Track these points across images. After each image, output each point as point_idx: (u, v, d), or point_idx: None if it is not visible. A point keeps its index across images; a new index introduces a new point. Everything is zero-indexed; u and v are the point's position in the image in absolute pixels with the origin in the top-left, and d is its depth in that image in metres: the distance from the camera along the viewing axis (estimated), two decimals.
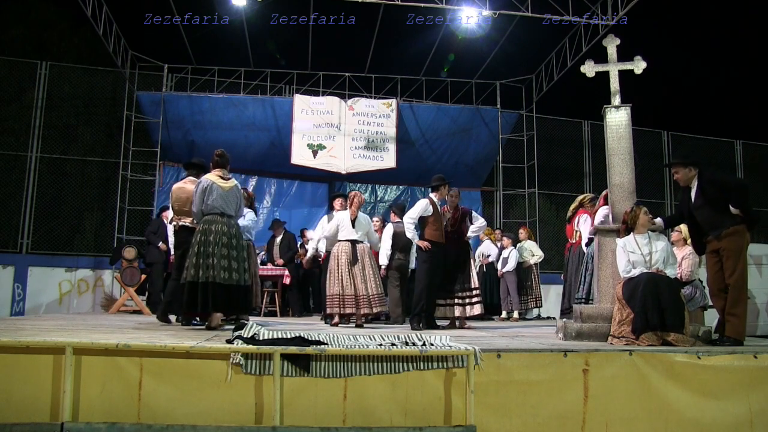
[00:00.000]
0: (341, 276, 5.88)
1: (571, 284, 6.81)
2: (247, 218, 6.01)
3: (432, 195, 6.09)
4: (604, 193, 5.94)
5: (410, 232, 5.97)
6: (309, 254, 7.65)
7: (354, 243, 6.01)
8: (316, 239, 7.37)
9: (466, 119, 11.86)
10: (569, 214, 7.07)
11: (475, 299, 6.02)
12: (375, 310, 5.93)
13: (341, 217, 6.18)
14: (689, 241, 6.31)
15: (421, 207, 5.90)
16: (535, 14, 9.11)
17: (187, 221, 5.54)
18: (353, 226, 6.06)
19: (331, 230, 6.34)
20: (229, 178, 5.17)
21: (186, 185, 5.65)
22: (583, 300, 6.11)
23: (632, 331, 4.02)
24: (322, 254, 7.17)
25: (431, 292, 5.86)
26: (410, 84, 11.97)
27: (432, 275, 5.83)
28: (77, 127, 11.13)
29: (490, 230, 9.79)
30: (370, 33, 10.38)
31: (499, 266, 8.89)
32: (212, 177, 5.09)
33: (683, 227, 6.32)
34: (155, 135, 10.88)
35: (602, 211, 6.14)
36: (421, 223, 5.96)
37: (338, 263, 5.93)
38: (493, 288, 8.94)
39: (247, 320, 5.30)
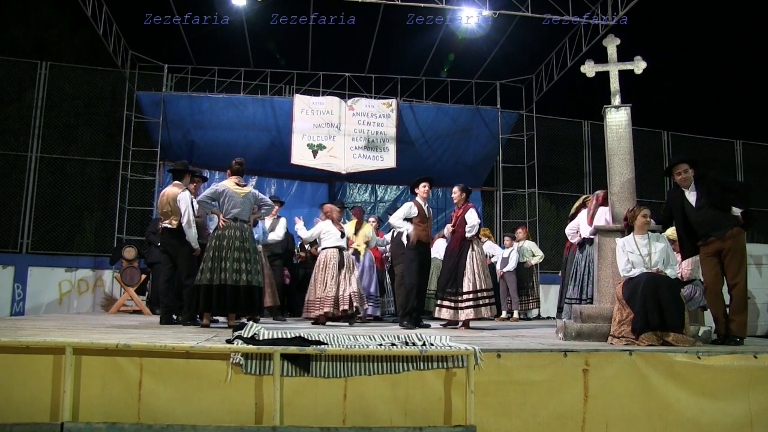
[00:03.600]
0: (327, 281, 6.22)
1: (566, 284, 6.85)
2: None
3: (417, 198, 6.19)
4: (600, 193, 5.97)
5: (399, 228, 6.36)
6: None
7: (341, 250, 6.45)
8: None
9: (466, 119, 11.85)
10: (572, 213, 7.07)
11: (463, 304, 5.83)
12: (350, 306, 6.19)
13: (325, 227, 6.57)
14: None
15: (405, 210, 6.13)
16: (535, 14, 9.10)
17: (167, 223, 5.76)
18: (341, 236, 6.53)
19: (310, 236, 6.77)
20: (245, 185, 5.51)
21: (168, 189, 5.89)
22: (575, 300, 6.11)
23: (632, 331, 4.02)
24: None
25: (420, 291, 6.01)
26: (410, 84, 11.96)
27: (420, 274, 5.98)
28: (77, 127, 11.12)
29: (488, 230, 9.79)
30: (370, 33, 10.37)
31: (498, 266, 8.89)
32: (228, 184, 5.43)
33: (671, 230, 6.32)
34: (155, 135, 10.88)
35: (581, 216, 6.21)
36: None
37: (326, 268, 6.28)
38: (493, 288, 8.93)
39: (257, 320, 5.49)
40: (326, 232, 6.51)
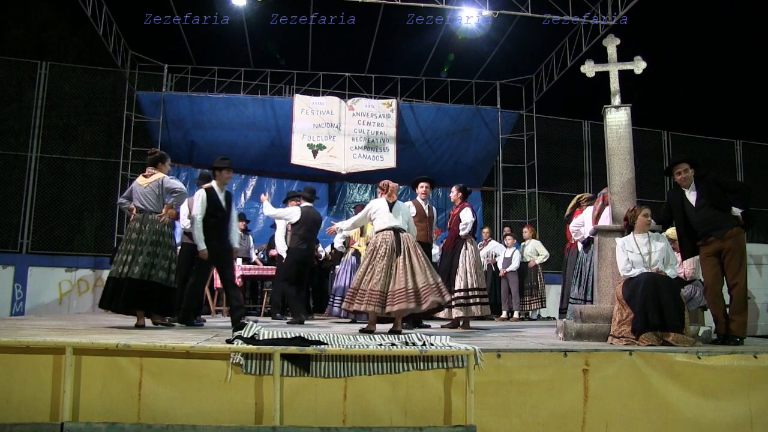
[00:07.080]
0: (378, 269, 4.91)
1: (568, 284, 6.82)
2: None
3: (417, 198, 6.13)
4: (605, 192, 5.94)
5: None
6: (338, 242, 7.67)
7: (397, 231, 5.11)
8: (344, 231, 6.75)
9: (466, 119, 11.86)
10: (567, 213, 7.07)
11: (454, 302, 5.71)
12: (425, 306, 4.85)
13: (376, 204, 5.33)
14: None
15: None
16: (535, 14, 9.11)
17: None
18: (390, 210, 5.24)
19: (356, 221, 5.70)
20: (153, 173, 5.25)
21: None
22: (580, 300, 6.10)
23: (632, 331, 4.02)
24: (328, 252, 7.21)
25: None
26: (410, 84, 11.98)
27: None
28: (77, 127, 11.12)
29: (490, 230, 9.79)
30: (370, 33, 10.39)
31: (500, 266, 8.88)
32: (138, 178, 5.31)
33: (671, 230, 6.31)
34: (155, 135, 10.89)
35: (586, 213, 6.19)
36: None
37: (376, 255, 5.01)
38: (494, 288, 8.93)
39: (165, 321, 5.32)
40: (378, 213, 5.28)
